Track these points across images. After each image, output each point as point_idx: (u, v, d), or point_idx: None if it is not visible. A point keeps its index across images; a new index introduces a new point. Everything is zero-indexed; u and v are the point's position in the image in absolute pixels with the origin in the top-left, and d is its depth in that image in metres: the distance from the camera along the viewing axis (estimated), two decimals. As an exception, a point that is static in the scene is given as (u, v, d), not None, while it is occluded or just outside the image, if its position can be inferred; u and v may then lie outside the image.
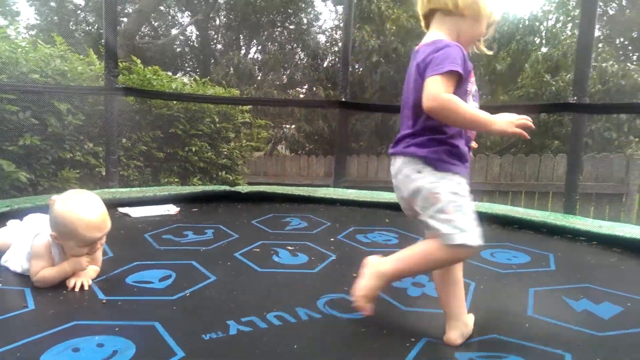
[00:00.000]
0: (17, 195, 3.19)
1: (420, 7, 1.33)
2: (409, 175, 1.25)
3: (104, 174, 3.69)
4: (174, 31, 13.34)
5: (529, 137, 1.23)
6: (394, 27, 7.81)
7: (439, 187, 1.21)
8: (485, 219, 2.67)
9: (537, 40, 7.82)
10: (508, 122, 1.20)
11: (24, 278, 1.59)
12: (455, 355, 1.27)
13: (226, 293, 1.56)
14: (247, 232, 2.36)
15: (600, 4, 12.03)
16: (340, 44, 9.02)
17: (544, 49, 7.82)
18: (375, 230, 2.48)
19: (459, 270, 1.34)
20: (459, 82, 1.21)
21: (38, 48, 3.65)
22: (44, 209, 1.94)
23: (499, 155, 6.62)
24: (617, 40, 12.30)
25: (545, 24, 7.88)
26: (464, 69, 1.19)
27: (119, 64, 3.72)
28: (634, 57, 11.36)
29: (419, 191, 1.23)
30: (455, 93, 1.19)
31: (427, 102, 1.16)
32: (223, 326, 1.30)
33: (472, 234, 1.20)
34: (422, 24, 1.36)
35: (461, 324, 1.31)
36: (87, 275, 1.57)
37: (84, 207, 1.49)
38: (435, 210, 1.21)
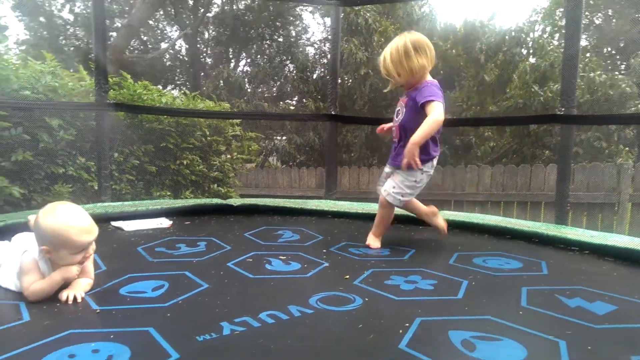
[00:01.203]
0: (10, 211, 3.16)
1: None
2: None
3: (96, 188, 3.68)
4: (163, 45, 13.36)
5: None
6: (382, 39, 7.91)
7: None
8: (477, 229, 2.73)
9: (524, 51, 7.95)
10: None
11: (18, 293, 1.59)
12: (449, 334, 1.31)
13: (219, 298, 1.57)
14: (240, 244, 2.36)
15: (587, 14, 12.24)
16: (329, 56, 9.12)
17: (531, 60, 7.95)
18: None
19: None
20: None
21: (28, 65, 3.64)
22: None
23: (490, 165, 6.69)
24: (605, 49, 12.50)
25: (531, 35, 8.01)
26: None
27: (109, 79, 3.72)
28: (622, 67, 11.56)
29: None
30: None
31: None
32: (216, 328, 1.32)
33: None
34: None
35: None
36: (80, 287, 1.58)
37: (70, 215, 1.54)
38: None
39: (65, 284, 1.58)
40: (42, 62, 3.77)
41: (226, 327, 1.33)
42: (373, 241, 2.36)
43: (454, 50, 7.71)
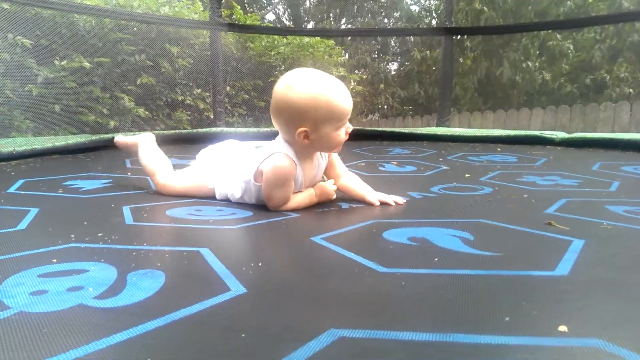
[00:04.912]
0: (136, 132, 3.40)
1: None
2: None
3: (212, 117, 3.84)
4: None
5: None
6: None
7: None
8: (621, 145, 2.42)
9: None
10: None
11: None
12: (606, 207, 1.23)
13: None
14: (349, 156, 2.32)
15: None
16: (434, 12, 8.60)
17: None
18: (488, 154, 2.36)
19: None
20: None
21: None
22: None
23: (628, 101, 5.90)
24: None
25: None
26: None
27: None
28: None
29: None
30: None
31: None
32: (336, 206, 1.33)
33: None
34: None
35: None
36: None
37: (324, 78, 1.20)
38: None
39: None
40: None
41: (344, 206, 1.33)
42: None
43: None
